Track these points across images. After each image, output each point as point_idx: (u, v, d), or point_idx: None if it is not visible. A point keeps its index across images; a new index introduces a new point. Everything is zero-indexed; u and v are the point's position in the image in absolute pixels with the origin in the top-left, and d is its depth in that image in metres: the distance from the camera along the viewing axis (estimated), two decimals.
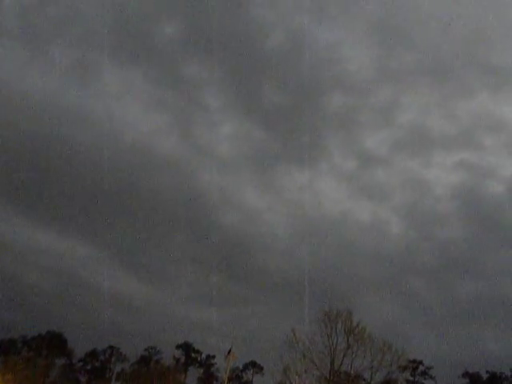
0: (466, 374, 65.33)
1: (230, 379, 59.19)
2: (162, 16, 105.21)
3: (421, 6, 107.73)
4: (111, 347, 71.87)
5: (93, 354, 70.65)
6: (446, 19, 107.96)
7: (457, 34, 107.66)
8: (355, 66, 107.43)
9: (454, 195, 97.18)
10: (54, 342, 67.53)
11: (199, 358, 73.27)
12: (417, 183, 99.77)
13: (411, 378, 64.90)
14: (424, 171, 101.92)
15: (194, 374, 71.29)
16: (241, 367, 71.78)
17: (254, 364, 72.61)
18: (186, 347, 72.33)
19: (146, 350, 71.58)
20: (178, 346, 72.15)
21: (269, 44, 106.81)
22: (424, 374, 66.70)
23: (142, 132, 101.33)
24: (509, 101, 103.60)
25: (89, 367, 70.85)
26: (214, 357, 72.14)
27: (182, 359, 71.68)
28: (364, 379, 51.16)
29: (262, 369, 70.74)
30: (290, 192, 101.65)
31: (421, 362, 66.41)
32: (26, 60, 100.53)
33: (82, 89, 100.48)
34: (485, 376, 64.36)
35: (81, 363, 70.66)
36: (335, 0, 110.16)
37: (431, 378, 66.57)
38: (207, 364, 72.91)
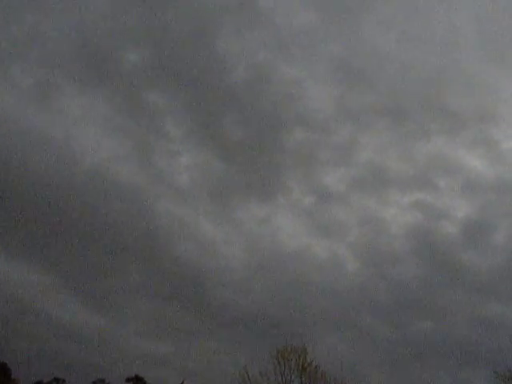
0: None
1: None
2: (127, 42, 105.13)
3: (381, 48, 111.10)
4: (56, 379, 69.30)
5: None
6: (405, 63, 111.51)
7: (415, 77, 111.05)
8: (316, 104, 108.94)
9: (409, 234, 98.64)
10: None
11: None
12: (373, 221, 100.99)
13: None
14: (380, 210, 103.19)
15: None
16: None
17: None
18: (137, 380, 70.31)
19: (94, 382, 69.33)
20: (129, 379, 69.95)
21: (232, 77, 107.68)
22: None
23: (101, 158, 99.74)
24: (464, 145, 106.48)
25: None
26: None
27: None
28: None
29: None
30: (248, 225, 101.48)
31: None
32: None
33: (42, 111, 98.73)
34: None
35: None
36: (299, 38, 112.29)
37: None
38: None
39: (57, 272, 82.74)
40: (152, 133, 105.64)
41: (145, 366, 70.95)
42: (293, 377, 50.54)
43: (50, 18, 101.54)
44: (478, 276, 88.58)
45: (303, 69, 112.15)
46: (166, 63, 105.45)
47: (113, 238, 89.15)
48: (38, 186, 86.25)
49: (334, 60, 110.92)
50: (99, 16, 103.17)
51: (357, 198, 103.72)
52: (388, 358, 74.17)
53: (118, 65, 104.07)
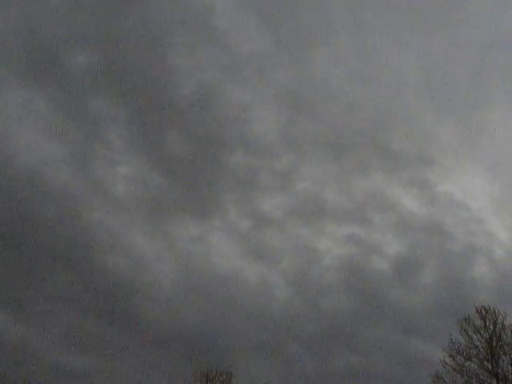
0: None
1: None
2: (77, 44, 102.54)
3: (329, 83, 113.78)
4: None
5: None
6: (351, 100, 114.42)
7: (360, 115, 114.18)
8: (260, 129, 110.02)
9: (340, 267, 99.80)
10: None
11: None
12: (307, 251, 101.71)
13: None
14: (315, 240, 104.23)
15: None
16: None
17: None
18: None
19: None
20: None
21: (180, 92, 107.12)
22: None
23: (36, 159, 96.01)
24: (400, 184, 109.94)
25: None
26: None
27: None
28: None
29: None
30: (181, 243, 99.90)
31: None
32: None
33: None
34: None
35: None
36: (250, 63, 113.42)
37: None
38: None
39: None
40: (92, 139, 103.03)
41: (63, 380, 67.54)
42: None
43: None
44: (404, 312, 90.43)
45: (251, 92, 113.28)
46: (114, 70, 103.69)
47: (40, 244, 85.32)
48: None
49: (283, 88, 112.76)
50: (52, 14, 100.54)
51: (292, 226, 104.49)
52: None
53: (64, 66, 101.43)
